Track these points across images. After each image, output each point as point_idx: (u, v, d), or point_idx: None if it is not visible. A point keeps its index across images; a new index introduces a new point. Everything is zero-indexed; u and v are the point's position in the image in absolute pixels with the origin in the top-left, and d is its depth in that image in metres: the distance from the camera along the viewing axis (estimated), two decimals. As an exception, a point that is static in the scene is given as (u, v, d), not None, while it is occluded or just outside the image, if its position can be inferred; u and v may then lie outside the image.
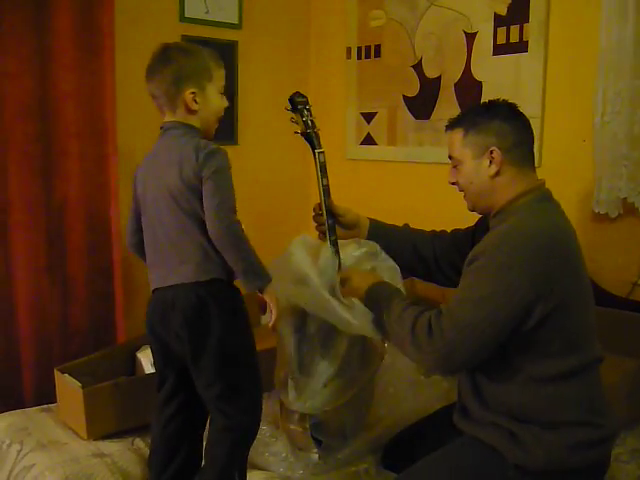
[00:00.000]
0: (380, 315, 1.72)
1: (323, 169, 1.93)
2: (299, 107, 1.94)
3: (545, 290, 1.49)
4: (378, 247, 1.96)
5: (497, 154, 1.63)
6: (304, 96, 1.95)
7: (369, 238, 2.02)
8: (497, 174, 1.65)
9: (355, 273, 1.87)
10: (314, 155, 1.94)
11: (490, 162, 1.64)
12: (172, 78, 1.74)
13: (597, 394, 1.61)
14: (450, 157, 1.74)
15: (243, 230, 1.69)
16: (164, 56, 1.77)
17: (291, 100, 1.94)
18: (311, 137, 1.94)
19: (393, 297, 1.73)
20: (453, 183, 1.75)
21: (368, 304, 1.77)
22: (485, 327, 1.50)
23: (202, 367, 1.75)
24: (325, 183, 1.94)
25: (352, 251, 1.97)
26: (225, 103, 1.85)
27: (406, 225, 2.12)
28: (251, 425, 1.81)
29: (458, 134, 1.70)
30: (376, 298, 1.76)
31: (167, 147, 1.77)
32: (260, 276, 1.71)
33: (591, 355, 1.60)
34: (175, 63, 1.75)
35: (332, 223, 1.96)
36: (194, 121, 1.78)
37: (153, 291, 1.81)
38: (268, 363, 2.03)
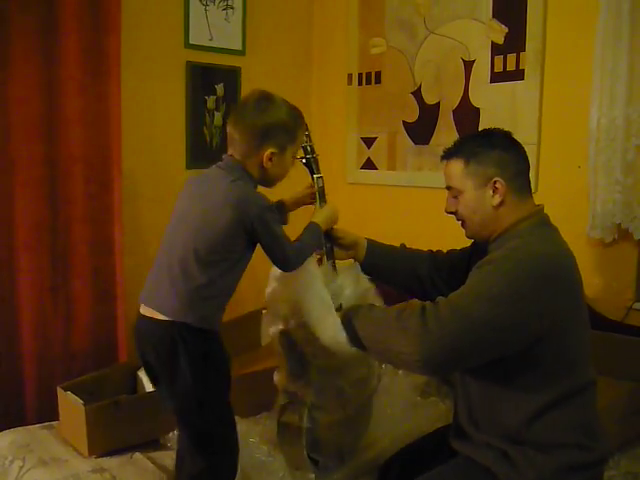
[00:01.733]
0: (354, 325, 1.70)
1: (322, 194, 1.96)
2: None
3: (542, 310, 1.50)
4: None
5: (501, 185, 1.64)
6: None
7: (367, 258, 2.04)
8: (501, 204, 1.65)
9: None
10: (313, 180, 1.97)
11: (493, 192, 1.65)
12: (260, 131, 1.73)
13: (591, 417, 1.61)
14: (449, 187, 1.74)
15: (294, 248, 1.78)
16: (259, 106, 1.75)
17: None
18: (310, 162, 1.96)
19: (361, 307, 1.74)
20: (451, 212, 1.75)
21: (346, 323, 1.74)
22: (483, 322, 1.48)
23: (171, 409, 1.82)
24: (324, 207, 1.95)
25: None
26: (292, 165, 1.85)
27: (402, 245, 2.15)
28: (224, 469, 1.82)
29: (458, 164, 1.69)
30: (351, 315, 1.74)
31: (218, 187, 1.74)
32: (318, 237, 1.87)
33: (586, 378, 1.61)
34: (268, 117, 1.73)
35: (330, 247, 1.98)
36: (258, 174, 1.78)
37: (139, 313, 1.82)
38: (268, 383, 2.06)
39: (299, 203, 2.02)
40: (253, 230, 1.70)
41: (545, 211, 1.74)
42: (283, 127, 1.76)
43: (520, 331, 1.51)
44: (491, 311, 1.48)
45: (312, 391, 1.93)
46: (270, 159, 1.76)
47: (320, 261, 1.98)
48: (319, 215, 1.91)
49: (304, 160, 1.97)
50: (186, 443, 1.81)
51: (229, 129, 1.79)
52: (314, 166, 1.97)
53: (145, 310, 1.79)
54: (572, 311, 1.59)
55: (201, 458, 1.78)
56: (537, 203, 1.74)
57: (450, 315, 1.50)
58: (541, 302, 1.50)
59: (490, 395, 1.63)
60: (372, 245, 2.07)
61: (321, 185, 1.97)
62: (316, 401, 1.94)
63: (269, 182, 1.84)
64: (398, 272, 2.04)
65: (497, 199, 1.65)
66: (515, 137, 1.74)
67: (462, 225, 1.76)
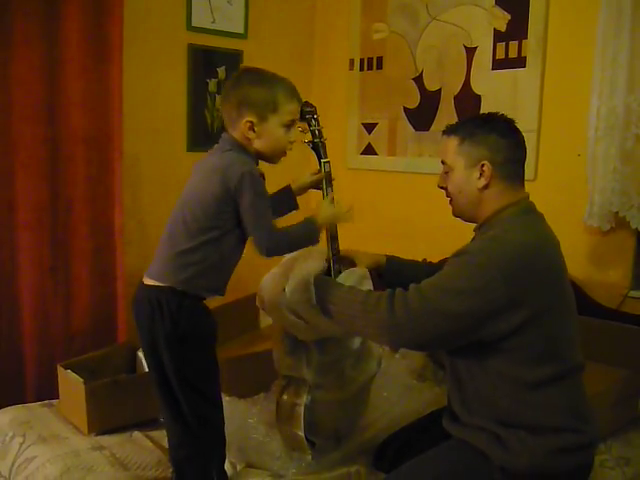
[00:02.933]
0: (323, 298, 1.75)
1: (328, 179, 1.96)
2: (307, 116, 1.95)
3: (520, 299, 1.53)
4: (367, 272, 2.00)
5: (487, 168, 1.67)
6: (312, 106, 1.96)
7: (386, 276, 2.04)
8: (485, 187, 1.69)
9: None
10: (320, 165, 1.96)
11: (480, 175, 1.68)
12: (236, 102, 1.76)
13: (579, 401, 1.64)
14: (443, 162, 1.77)
15: (274, 232, 1.74)
16: (236, 80, 1.80)
17: (300, 109, 1.96)
18: (318, 147, 1.96)
19: (334, 283, 1.78)
20: (442, 187, 1.79)
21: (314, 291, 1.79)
22: (451, 318, 1.53)
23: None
24: (330, 192, 1.96)
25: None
26: (290, 137, 1.82)
27: (424, 260, 2.14)
28: (209, 452, 1.84)
29: (454, 141, 1.72)
30: (319, 286, 1.79)
31: (211, 159, 1.79)
32: (310, 234, 1.80)
33: (572, 362, 1.63)
34: (242, 89, 1.76)
35: (337, 247, 1.96)
36: (248, 146, 1.79)
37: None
38: (266, 365, 2.08)
39: (305, 188, 2.01)
40: (236, 193, 1.70)
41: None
42: (256, 96, 1.75)
43: (495, 321, 1.54)
44: (462, 305, 1.53)
45: (312, 370, 1.95)
46: (251, 128, 1.76)
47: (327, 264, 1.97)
48: (322, 212, 1.86)
49: (311, 144, 1.97)
50: (169, 423, 1.84)
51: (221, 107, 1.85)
52: (321, 150, 1.97)
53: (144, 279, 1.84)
54: (553, 297, 1.61)
55: (183, 437, 1.81)
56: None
57: (420, 308, 1.55)
58: (517, 293, 1.53)
59: (478, 381, 1.65)
60: (391, 262, 2.07)
61: (328, 170, 1.96)
62: (316, 380, 1.96)
63: (264, 156, 1.82)
64: None
65: (482, 182, 1.68)
66: (516, 125, 1.74)
67: (450, 202, 1.79)
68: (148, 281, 1.80)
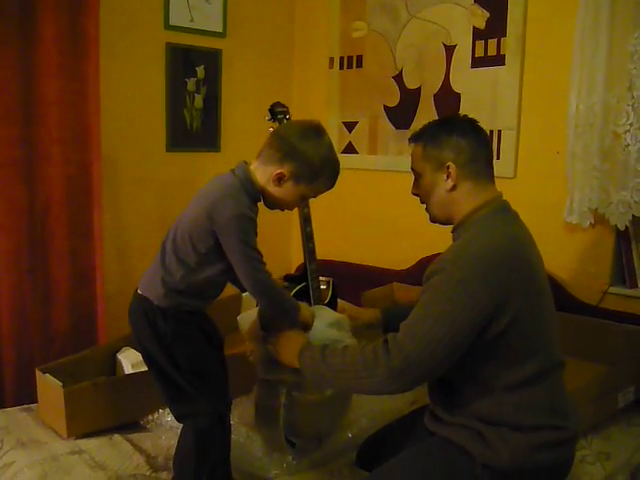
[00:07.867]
0: (321, 372, 1.69)
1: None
2: (279, 117, 1.95)
3: (502, 301, 1.54)
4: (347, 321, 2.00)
5: (453, 169, 1.68)
6: (284, 106, 1.96)
7: (385, 328, 2.02)
8: (453, 188, 1.69)
9: (282, 341, 1.83)
10: None
11: (447, 177, 1.69)
12: (285, 150, 1.71)
13: (560, 397, 1.66)
14: (412, 170, 1.78)
15: (266, 276, 1.72)
16: (302, 132, 1.75)
17: (271, 110, 1.94)
18: None
19: (324, 351, 1.69)
20: (415, 194, 1.79)
21: (305, 368, 1.72)
22: (446, 342, 1.52)
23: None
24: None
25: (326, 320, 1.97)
26: (298, 205, 1.80)
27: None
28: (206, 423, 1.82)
29: (418, 148, 1.74)
30: (311, 360, 1.71)
31: (218, 184, 1.75)
32: (287, 308, 1.82)
33: (551, 360, 1.65)
34: (300, 144, 1.71)
35: (312, 247, 1.97)
36: (262, 185, 1.74)
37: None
38: (245, 367, 2.06)
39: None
40: (220, 233, 1.68)
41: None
42: (310, 161, 1.72)
43: (489, 326, 1.54)
44: (454, 325, 1.52)
45: (293, 370, 1.94)
46: (279, 179, 1.72)
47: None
48: (305, 313, 1.86)
49: None
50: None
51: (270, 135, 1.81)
52: None
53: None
54: (531, 297, 1.61)
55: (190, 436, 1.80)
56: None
57: (414, 347, 1.53)
58: (500, 298, 1.53)
59: (460, 382, 1.65)
60: (387, 314, 2.06)
61: None
62: (297, 379, 1.94)
63: (269, 202, 1.80)
64: None
65: (450, 183, 1.69)
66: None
67: (425, 209, 1.79)
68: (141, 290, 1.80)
